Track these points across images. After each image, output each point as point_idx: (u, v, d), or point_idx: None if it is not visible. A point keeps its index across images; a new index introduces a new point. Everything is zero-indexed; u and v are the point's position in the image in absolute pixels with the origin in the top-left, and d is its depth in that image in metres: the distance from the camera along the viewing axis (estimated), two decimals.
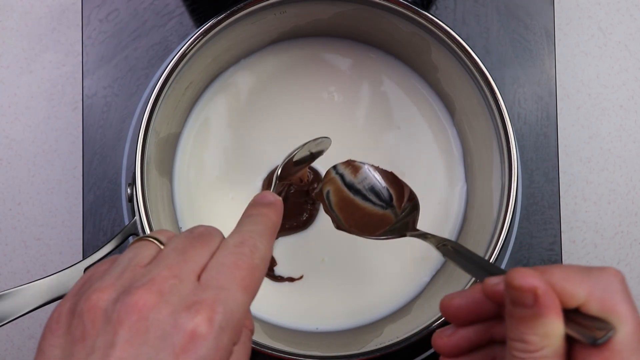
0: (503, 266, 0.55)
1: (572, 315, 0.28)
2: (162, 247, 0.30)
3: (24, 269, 0.59)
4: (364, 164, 0.47)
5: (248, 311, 0.30)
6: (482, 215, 0.50)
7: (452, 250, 0.38)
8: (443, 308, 0.33)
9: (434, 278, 0.53)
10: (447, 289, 0.48)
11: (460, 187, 0.54)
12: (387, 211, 0.46)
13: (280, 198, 0.35)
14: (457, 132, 0.55)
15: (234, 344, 0.28)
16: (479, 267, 0.36)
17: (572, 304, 0.28)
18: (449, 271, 0.51)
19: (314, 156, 0.48)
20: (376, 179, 0.47)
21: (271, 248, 0.31)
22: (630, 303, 0.28)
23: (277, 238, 0.53)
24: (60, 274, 0.43)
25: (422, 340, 0.44)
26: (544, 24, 0.57)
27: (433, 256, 0.53)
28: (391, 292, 0.53)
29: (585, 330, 0.28)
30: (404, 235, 0.43)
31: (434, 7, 0.57)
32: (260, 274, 0.30)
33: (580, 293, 0.28)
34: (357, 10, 0.49)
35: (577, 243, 0.59)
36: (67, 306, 0.28)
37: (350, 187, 0.47)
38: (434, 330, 0.43)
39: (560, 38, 0.60)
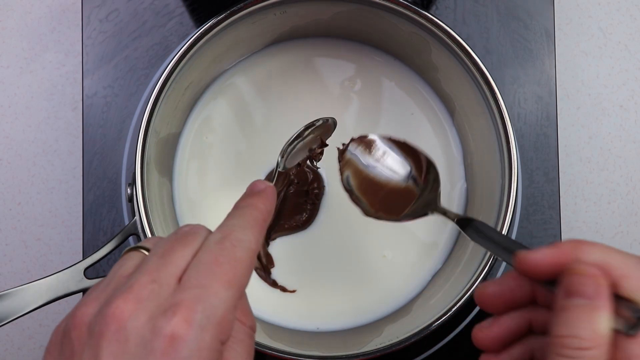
0: (502, 267, 0.55)
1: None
2: (147, 254, 0.30)
3: (24, 269, 0.59)
4: (375, 136, 0.45)
5: (242, 306, 0.30)
6: (483, 215, 0.50)
7: (476, 229, 0.37)
8: (478, 297, 0.33)
9: (434, 278, 0.53)
10: (447, 289, 0.48)
11: (460, 187, 0.54)
12: (409, 184, 0.45)
13: (272, 185, 0.33)
14: (457, 132, 0.55)
15: (222, 342, 0.27)
16: (503, 247, 0.35)
17: (624, 293, 0.27)
18: (449, 270, 0.51)
19: (317, 143, 0.46)
20: (391, 151, 0.45)
21: (258, 239, 0.30)
22: None
23: (275, 239, 0.53)
24: (60, 274, 0.43)
25: (422, 340, 0.44)
26: (544, 24, 0.57)
27: (433, 255, 0.53)
28: (391, 292, 0.53)
29: (623, 319, 0.26)
30: (426, 214, 0.42)
31: (434, 7, 0.57)
32: (245, 266, 0.28)
33: (634, 284, 0.27)
34: (357, 11, 0.49)
35: None
36: (61, 326, 0.28)
37: (368, 165, 0.46)
38: (434, 330, 0.44)
39: (560, 38, 0.60)
